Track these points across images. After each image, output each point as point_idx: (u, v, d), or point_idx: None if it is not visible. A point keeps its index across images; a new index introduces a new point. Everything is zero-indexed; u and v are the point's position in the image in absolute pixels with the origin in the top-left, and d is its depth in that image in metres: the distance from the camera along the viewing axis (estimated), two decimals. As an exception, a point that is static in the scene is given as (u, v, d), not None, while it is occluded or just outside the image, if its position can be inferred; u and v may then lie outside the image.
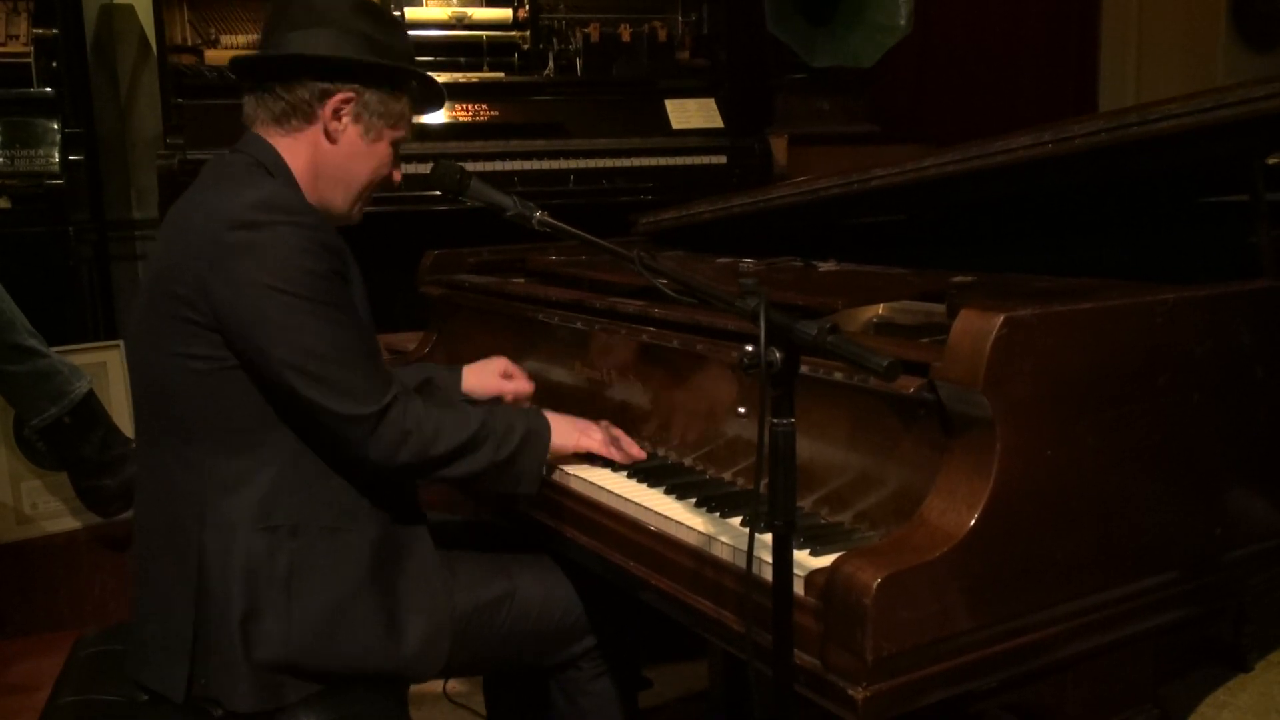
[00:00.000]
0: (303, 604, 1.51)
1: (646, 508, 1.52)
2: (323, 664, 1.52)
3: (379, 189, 1.71)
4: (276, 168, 1.59)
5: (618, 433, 1.74)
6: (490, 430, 1.60)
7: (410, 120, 1.70)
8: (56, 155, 3.26)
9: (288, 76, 1.59)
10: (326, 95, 1.59)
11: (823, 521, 1.42)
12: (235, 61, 1.66)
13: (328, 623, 1.52)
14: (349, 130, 1.62)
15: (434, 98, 1.74)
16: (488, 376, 2.00)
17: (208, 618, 1.50)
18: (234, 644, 1.48)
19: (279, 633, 1.50)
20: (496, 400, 2.02)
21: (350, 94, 1.60)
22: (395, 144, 1.67)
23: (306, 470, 1.53)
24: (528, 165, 3.45)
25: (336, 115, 1.61)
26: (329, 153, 1.62)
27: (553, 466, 1.71)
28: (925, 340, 1.46)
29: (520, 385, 1.98)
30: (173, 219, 1.58)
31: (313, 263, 1.48)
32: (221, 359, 1.48)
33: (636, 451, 1.71)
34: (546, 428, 1.67)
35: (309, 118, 1.60)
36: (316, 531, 1.53)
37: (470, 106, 3.50)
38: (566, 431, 1.69)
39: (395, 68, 1.64)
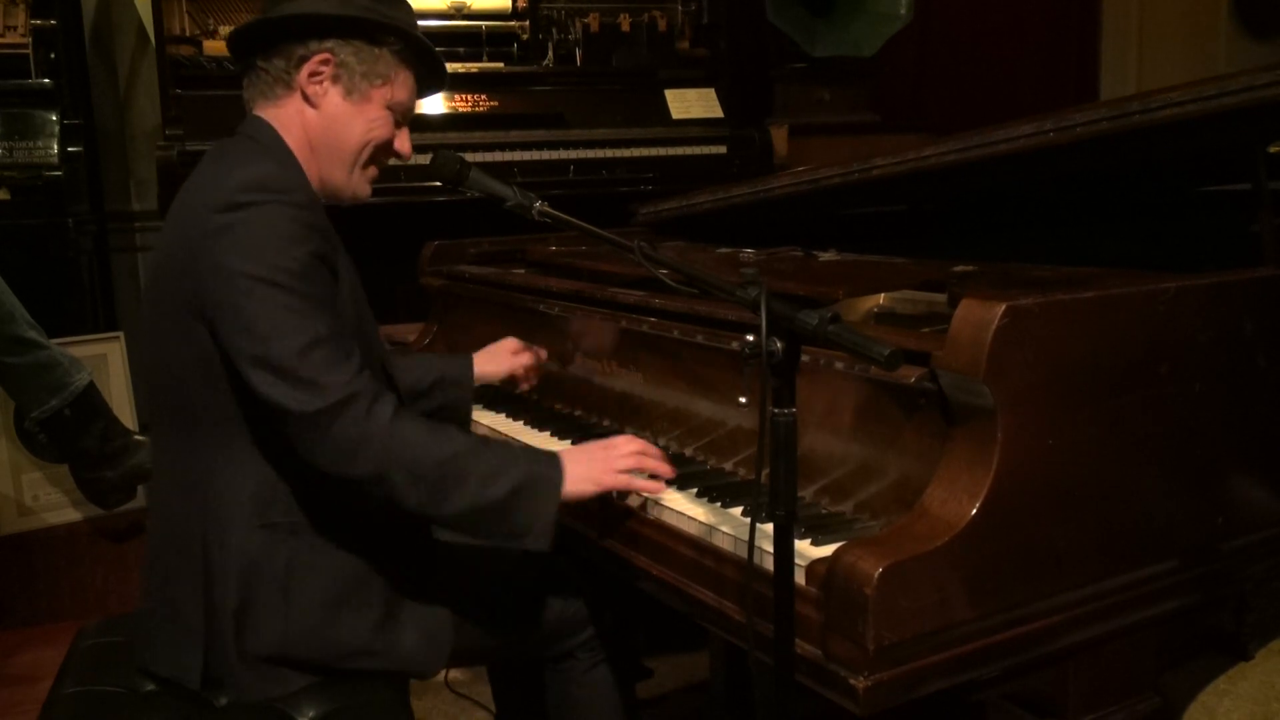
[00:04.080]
0: (300, 602, 1.50)
1: (645, 497, 1.52)
2: (321, 659, 1.52)
3: (384, 158, 1.65)
4: (272, 143, 1.56)
5: (650, 456, 1.53)
6: (475, 467, 1.41)
7: (405, 84, 1.62)
8: (55, 147, 3.25)
9: (265, 47, 1.57)
10: (302, 60, 1.56)
11: (824, 511, 1.42)
12: (227, 41, 1.63)
13: (324, 621, 1.51)
14: (330, 93, 1.57)
15: (428, 62, 1.65)
16: (500, 356, 1.98)
17: (213, 608, 1.49)
18: (231, 636, 1.48)
19: (277, 629, 1.49)
20: (510, 381, 2.01)
21: (325, 54, 1.56)
22: (392, 108, 1.61)
23: (304, 467, 1.48)
24: (527, 155, 3.44)
25: (315, 78, 1.56)
26: (314, 119, 1.58)
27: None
28: (926, 330, 1.46)
29: (529, 357, 1.98)
30: (173, 207, 1.57)
31: (290, 245, 1.43)
32: (212, 348, 1.46)
33: (665, 470, 1.52)
34: (557, 473, 1.45)
35: (289, 85, 1.57)
36: (315, 529, 1.52)
37: (470, 97, 3.49)
38: (582, 476, 1.47)
39: (369, 20, 1.56)
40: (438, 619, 1.59)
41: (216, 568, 1.49)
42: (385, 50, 1.59)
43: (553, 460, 1.48)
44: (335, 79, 1.57)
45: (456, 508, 1.42)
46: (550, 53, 3.68)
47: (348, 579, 1.53)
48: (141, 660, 1.58)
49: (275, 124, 1.58)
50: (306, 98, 1.57)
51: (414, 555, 1.62)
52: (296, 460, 1.49)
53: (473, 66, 3.56)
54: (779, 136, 3.74)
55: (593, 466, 1.49)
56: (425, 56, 1.65)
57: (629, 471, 1.51)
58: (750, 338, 1.14)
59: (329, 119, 1.58)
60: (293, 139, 1.58)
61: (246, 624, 1.49)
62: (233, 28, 1.62)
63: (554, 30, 3.69)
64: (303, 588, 1.51)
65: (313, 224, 1.48)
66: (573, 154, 3.48)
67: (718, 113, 3.71)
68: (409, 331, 2.56)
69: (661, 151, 3.56)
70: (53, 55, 3.32)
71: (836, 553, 1.17)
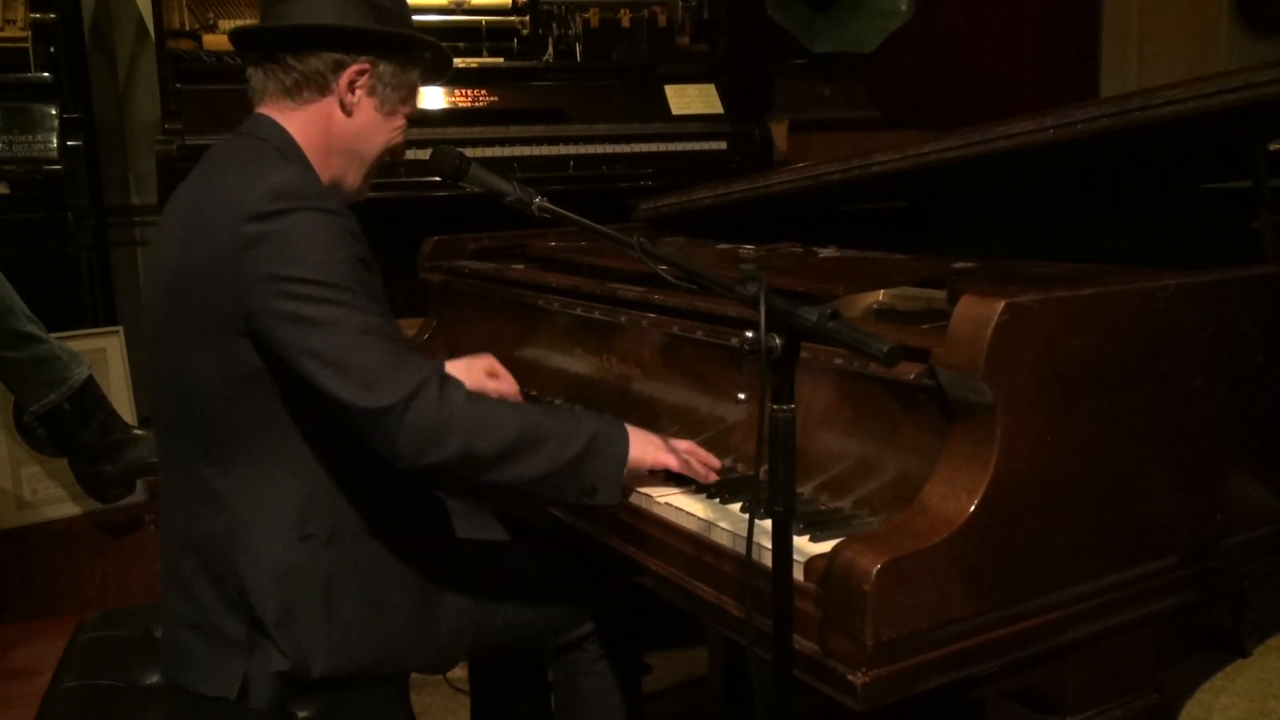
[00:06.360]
0: (343, 611, 1.49)
1: (646, 494, 1.52)
2: (361, 666, 1.51)
3: (386, 158, 1.66)
4: (288, 149, 1.54)
5: (696, 449, 1.57)
6: (551, 428, 1.45)
7: (420, 94, 1.66)
8: (55, 141, 3.25)
9: (298, 47, 1.54)
10: (341, 67, 1.54)
11: (822, 507, 1.42)
12: (240, 32, 1.60)
13: (366, 626, 1.51)
14: (363, 103, 1.57)
15: (444, 69, 1.69)
16: (474, 373, 1.91)
17: (255, 622, 1.47)
18: (272, 650, 1.46)
19: (320, 640, 1.48)
20: None
21: (365, 65, 1.55)
22: (408, 116, 1.63)
23: (337, 476, 1.49)
24: (527, 151, 3.43)
25: (351, 87, 1.56)
26: (343, 125, 1.57)
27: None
28: (926, 326, 1.46)
29: (504, 385, 1.91)
30: (183, 210, 1.52)
31: (335, 250, 1.42)
32: (248, 363, 1.43)
33: (714, 463, 1.55)
34: (623, 433, 1.51)
35: (323, 89, 1.55)
36: (352, 537, 1.51)
37: (469, 92, 3.49)
38: (644, 444, 1.52)
39: (411, 38, 1.60)
40: (461, 617, 1.60)
41: (250, 582, 1.47)
42: (416, 68, 1.62)
43: (616, 422, 1.53)
44: (371, 91, 1.58)
45: (538, 471, 1.44)
46: (550, 48, 3.67)
47: (382, 585, 1.53)
48: (170, 675, 1.55)
49: (290, 123, 1.55)
50: (343, 105, 1.57)
51: (439, 555, 1.61)
52: (334, 469, 1.49)
53: (472, 62, 3.55)
54: (779, 132, 3.74)
55: (652, 440, 1.53)
56: (443, 64, 1.68)
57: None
58: (749, 334, 1.14)
59: (359, 126, 1.58)
60: (309, 140, 1.56)
61: (288, 637, 1.47)
62: (245, 23, 1.61)
63: (554, 25, 3.68)
64: (343, 596, 1.50)
65: (349, 229, 1.47)
66: (572, 149, 3.48)
67: (718, 108, 3.70)
68: (408, 327, 2.55)
69: (661, 147, 3.56)
70: (52, 49, 3.32)
71: (835, 549, 1.17)
